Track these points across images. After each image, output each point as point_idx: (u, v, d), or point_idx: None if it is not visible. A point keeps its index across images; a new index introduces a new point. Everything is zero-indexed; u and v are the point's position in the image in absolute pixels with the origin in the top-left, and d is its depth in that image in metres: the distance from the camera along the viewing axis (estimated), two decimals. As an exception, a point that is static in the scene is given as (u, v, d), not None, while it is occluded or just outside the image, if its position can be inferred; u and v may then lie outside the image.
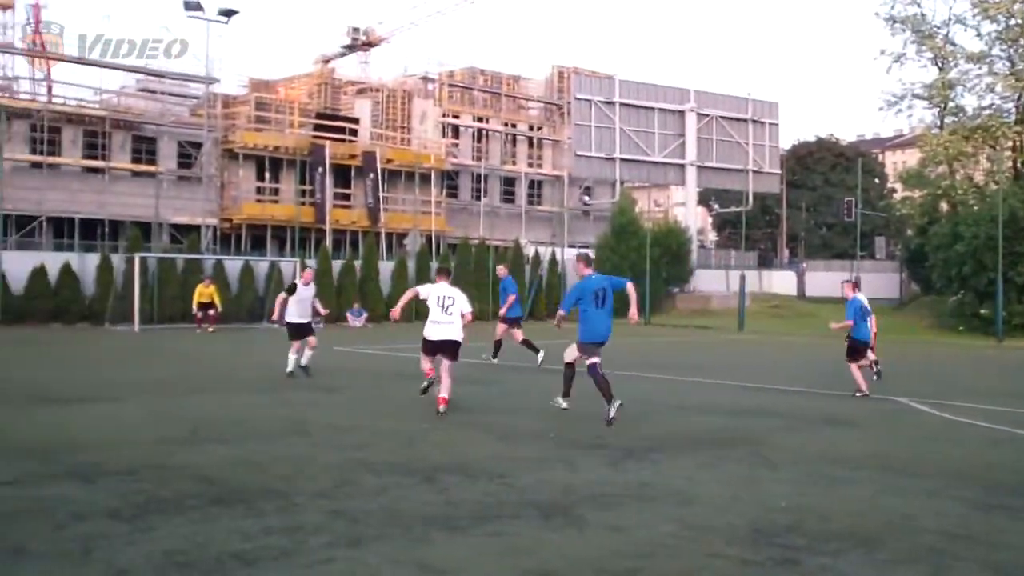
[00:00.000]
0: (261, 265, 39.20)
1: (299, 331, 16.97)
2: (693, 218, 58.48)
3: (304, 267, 24.95)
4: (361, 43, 65.85)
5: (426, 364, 13.42)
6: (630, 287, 13.13)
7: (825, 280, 63.77)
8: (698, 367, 21.69)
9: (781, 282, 62.94)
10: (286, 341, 17.02)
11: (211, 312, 32.49)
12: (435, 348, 13.07)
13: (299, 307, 17.08)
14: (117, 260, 35.05)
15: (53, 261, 34.09)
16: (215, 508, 7.13)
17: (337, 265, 40.49)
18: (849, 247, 70.52)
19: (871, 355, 17.20)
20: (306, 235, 50.63)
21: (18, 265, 33.12)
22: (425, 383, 13.43)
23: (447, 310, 12.91)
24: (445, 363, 12.85)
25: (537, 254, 48.36)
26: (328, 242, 48.40)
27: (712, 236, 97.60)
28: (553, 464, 9.12)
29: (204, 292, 32.83)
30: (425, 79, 64.46)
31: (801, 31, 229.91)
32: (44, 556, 5.89)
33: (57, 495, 7.46)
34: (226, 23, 46.00)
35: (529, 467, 8.94)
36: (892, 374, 20.19)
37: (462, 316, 12.99)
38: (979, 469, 9.45)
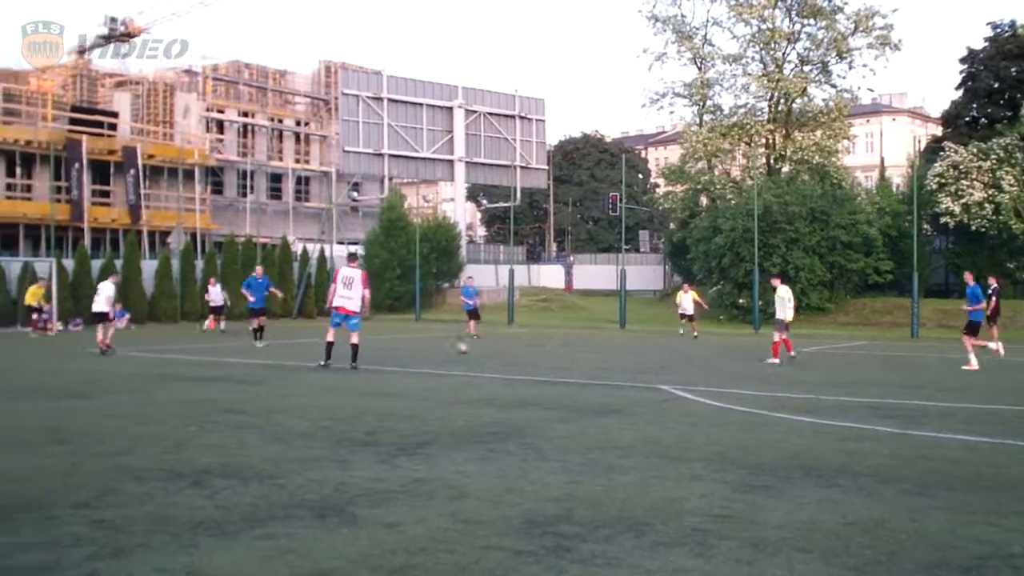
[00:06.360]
0: (13, 266, 37.40)
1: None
2: (462, 214, 58.99)
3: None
4: (119, 34, 63.49)
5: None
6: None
7: (592, 273, 65.49)
8: (469, 361, 21.84)
9: (549, 276, 64.24)
10: (37, 348, 16.33)
11: (35, 316, 31.35)
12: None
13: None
14: None
15: None
16: (-35, 524, 6.73)
17: (96, 265, 38.96)
18: (615, 241, 72.56)
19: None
20: (62, 234, 48.52)
21: None
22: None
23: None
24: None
25: (305, 251, 47.83)
26: (86, 241, 46.57)
27: (481, 231, 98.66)
28: (326, 463, 9.00)
29: (37, 293, 31.50)
30: (188, 72, 62.72)
31: (567, 28, 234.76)
32: None
33: None
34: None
35: (302, 467, 8.79)
36: (657, 363, 20.87)
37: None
38: (740, 452, 9.83)
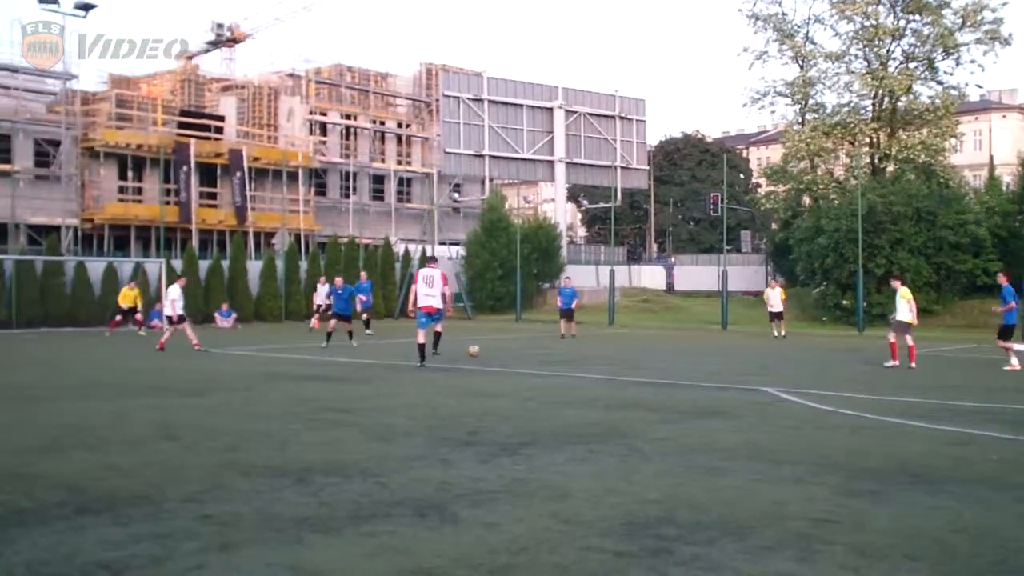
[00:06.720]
0: (125, 266, 38.35)
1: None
2: (563, 214, 58.94)
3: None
4: (225, 39, 64.83)
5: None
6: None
7: (693, 274, 64.99)
8: (569, 361, 21.84)
9: (650, 276, 63.89)
10: (147, 344, 16.72)
11: (137, 315, 32.17)
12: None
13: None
14: (-29, 263, 33.97)
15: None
16: (80, 517, 6.91)
17: (204, 265, 39.82)
18: (716, 241, 71.91)
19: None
20: (171, 235, 49.68)
21: None
22: None
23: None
24: None
25: (407, 252, 48.24)
26: (194, 242, 47.61)
27: (582, 232, 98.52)
28: (427, 462, 9.08)
29: (129, 295, 32.32)
30: (292, 76, 63.69)
31: (667, 27, 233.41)
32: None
33: (-89, 508, 7.16)
34: (84, 17, 44.88)
35: (403, 466, 8.88)
36: (760, 365, 20.65)
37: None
38: (844, 456, 9.68)
